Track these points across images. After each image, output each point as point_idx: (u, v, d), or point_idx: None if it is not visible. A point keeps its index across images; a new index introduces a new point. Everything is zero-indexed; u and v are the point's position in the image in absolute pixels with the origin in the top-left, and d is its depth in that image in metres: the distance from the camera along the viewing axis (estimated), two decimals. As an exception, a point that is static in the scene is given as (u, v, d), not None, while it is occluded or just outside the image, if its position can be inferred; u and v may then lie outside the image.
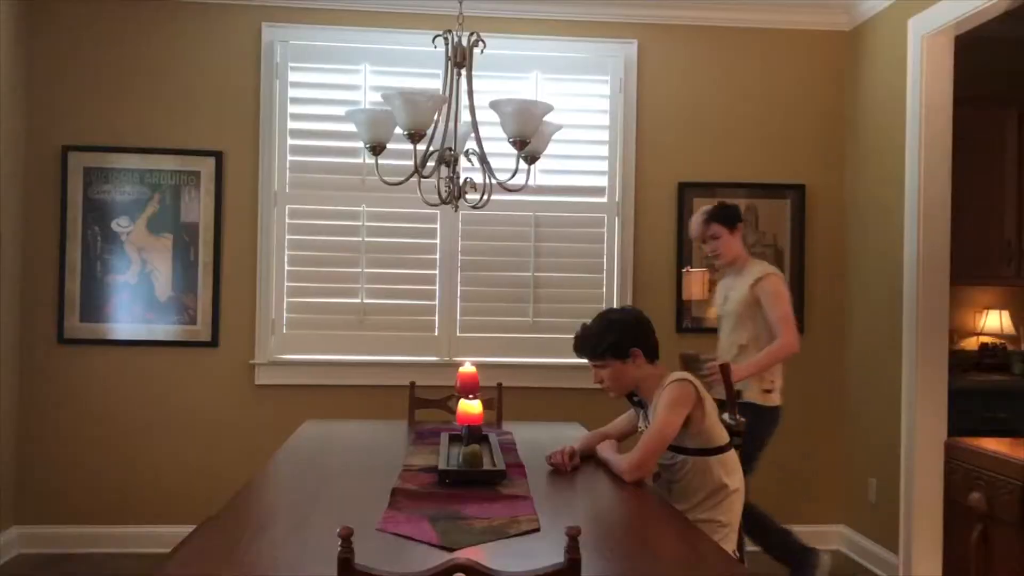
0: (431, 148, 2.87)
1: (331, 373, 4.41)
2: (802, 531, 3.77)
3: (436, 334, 4.47)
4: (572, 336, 2.80)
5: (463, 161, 2.99)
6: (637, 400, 2.80)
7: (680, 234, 4.49)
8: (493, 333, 4.49)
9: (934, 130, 3.92)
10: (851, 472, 4.53)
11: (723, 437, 2.67)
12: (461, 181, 2.96)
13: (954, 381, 4.07)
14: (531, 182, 3.18)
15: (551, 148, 3.14)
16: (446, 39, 2.88)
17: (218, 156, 4.37)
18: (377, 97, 4.10)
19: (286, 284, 4.42)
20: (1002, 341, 4.96)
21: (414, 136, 2.67)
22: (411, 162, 2.79)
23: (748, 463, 3.02)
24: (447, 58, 2.91)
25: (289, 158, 4.43)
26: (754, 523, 3.40)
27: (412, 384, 3.78)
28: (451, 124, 2.91)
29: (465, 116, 2.97)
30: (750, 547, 3.38)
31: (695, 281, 4.05)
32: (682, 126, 4.57)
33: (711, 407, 2.65)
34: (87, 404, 4.32)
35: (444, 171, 2.93)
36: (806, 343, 4.50)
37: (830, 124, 4.64)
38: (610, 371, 2.73)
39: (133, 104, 4.35)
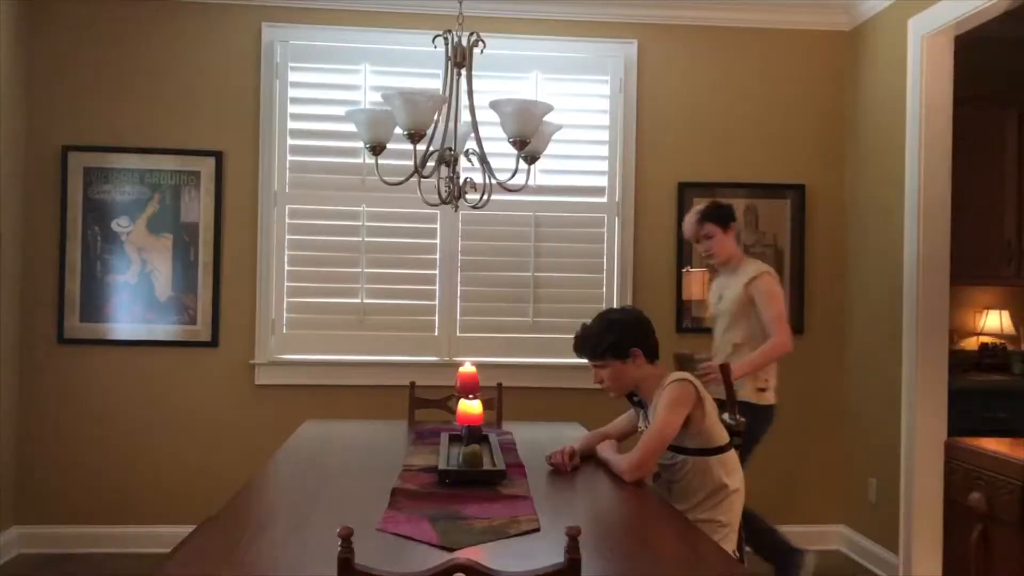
0: (431, 148, 2.87)
1: (331, 373, 4.41)
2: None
3: (436, 334, 4.47)
4: (572, 336, 2.80)
5: (463, 161, 2.99)
6: (637, 400, 2.80)
7: (680, 234, 4.48)
8: (493, 333, 4.49)
9: (934, 130, 3.92)
10: (851, 472, 4.53)
11: (723, 437, 2.68)
12: (461, 181, 2.96)
13: (954, 381, 4.07)
14: (531, 182, 3.18)
15: (551, 148, 3.14)
16: (446, 39, 2.88)
17: (218, 156, 4.37)
18: (377, 97, 4.10)
19: (286, 284, 4.42)
20: (1002, 341, 4.96)
21: (414, 136, 2.67)
22: (411, 162, 2.79)
23: (740, 461, 3.02)
24: (447, 58, 2.91)
25: (289, 158, 4.43)
26: (743, 521, 3.40)
27: (412, 384, 3.78)
28: (451, 124, 2.91)
29: (465, 116, 2.97)
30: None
31: (695, 281, 4.04)
32: (682, 126, 4.57)
33: (711, 407, 2.65)
34: (87, 404, 4.32)
35: (444, 171, 2.93)
36: (806, 343, 4.52)
37: (830, 124, 4.64)
38: (610, 371, 2.73)
39: (133, 104, 4.35)
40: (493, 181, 2.94)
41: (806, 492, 4.60)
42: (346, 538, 1.46)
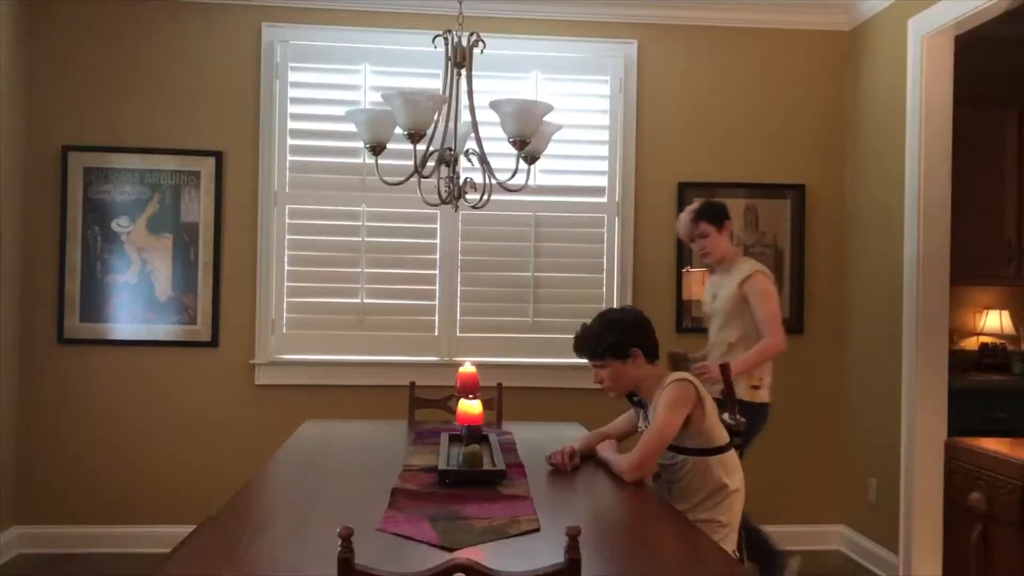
0: (431, 148, 2.87)
1: (331, 373, 4.41)
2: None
3: (436, 334, 4.47)
4: (572, 336, 2.80)
5: (463, 161, 2.99)
6: (637, 400, 2.80)
7: (680, 234, 4.50)
8: (493, 333, 4.49)
9: (934, 130, 3.92)
10: (851, 472, 4.53)
11: (723, 437, 2.68)
12: (461, 181, 2.96)
13: (954, 381, 4.07)
14: (531, 182, 3.18)
15: (551, 148, 3.14)
16: (446, 39, 2.88)
17: (218, 156, 4.37)
18: (377, 97, 4.10)
19: (286, 284, 4.42)
20: (1002, 341, 4.96)
21: (414, 136, 2.67)
22: (411, 162, 2.79)
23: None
24: (447, 58, 2.91)
25: (289, 158, 4.43)
26: None
27: (412, 384, 3.78)
28: (451, 124, 2.91)
29: (465, 116, 2.97)
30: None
31: (695, 281, 4.05)
32: (682, 126, 4.57)
33: (711, 407, 2.65)
34: (87, 404, 4.32)
35: (444, 171, 2.93)
36: (806, 343, 4.52)
37: (830, 124, 4.64)
38: (610, 371, 2.73)
39: (133, 104, 4.35)
40: (493, 181, 2.94)
41: (806, 492, 4.60)
42: (346, 538, 1.47)
